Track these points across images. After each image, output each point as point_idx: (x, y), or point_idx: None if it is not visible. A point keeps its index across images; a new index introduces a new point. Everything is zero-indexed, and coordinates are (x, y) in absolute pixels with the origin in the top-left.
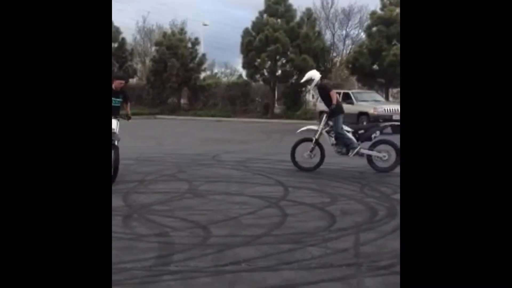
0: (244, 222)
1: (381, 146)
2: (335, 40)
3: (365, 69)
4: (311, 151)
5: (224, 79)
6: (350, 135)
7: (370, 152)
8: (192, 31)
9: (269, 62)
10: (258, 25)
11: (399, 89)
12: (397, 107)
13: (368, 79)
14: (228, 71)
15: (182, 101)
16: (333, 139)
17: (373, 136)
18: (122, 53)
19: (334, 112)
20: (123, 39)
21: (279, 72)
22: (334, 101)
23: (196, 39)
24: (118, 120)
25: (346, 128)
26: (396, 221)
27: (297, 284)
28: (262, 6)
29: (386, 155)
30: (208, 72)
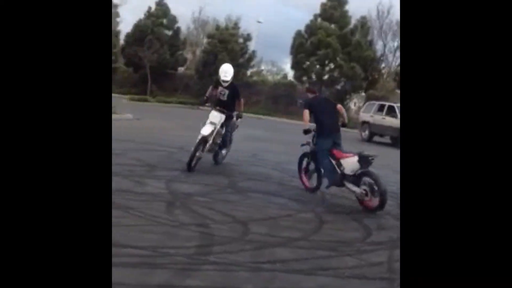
0: (282, 224)
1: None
2: (386, 51)
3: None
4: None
5: (270, 77)
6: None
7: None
8: (246, 27)
9: (317, 66)
10: (311, 28)
11: None
12: None
13: None
14: (275, 69)
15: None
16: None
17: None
18: (175, 41)
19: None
20: (178, 28)
21: (326, 76)
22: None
23: (248, 35)
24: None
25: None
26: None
27: None
28: (317, 9)
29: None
30: (255, 69)
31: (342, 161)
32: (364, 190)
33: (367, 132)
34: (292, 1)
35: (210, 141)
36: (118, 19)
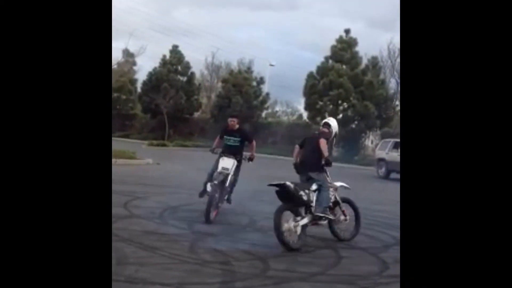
0: (300, 260)
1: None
2: (399, 88)
3: None
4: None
5: (285, 118)
6: (311, 196)
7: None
8: (258, 69)
9: (331, 106)
10: (322, 70)
11: None
12: None
13: None
14: (290, 110)
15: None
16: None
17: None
18: (190, 86)
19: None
20: (192, 73)
21: (340, 116)
22: (295, 160)
23: (262, 78)
24: (237, 160)
25: (313, 187)
26: None
27: None
28: (328, 50)
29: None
30: (270, 110)
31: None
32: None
33: (383, 169)
34: (302, 43)
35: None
36: (135, 68)
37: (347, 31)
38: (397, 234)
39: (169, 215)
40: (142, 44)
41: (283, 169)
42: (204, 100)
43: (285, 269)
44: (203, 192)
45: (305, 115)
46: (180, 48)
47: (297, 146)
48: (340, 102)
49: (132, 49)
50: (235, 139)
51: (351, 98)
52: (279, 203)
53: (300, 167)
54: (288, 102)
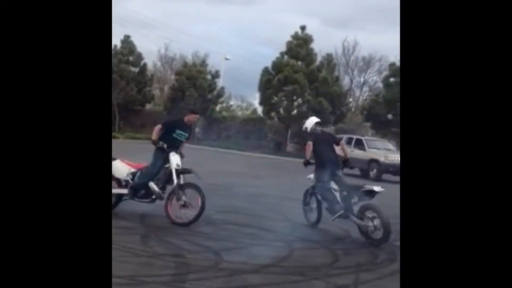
0: (253, 252)
1: (367, 213)
2: (353, 86)
3: (380, 117)
4: (307, 203)
5: (239, 113)
6: (336, 195)
7: (358, 222)
8: (213, 63)
9: (285, 102)
10: (278, 65)
11: None
12: None
13: (382, 128)
14: (244, 104)
15: (197, 130)
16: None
17: (352, 201)
18: (142, 78)
19: (316, 168)
20: (144, 64)
21: (295, 111)
22: (306, 155)
23: (217, 72)
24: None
25: (333, 186)
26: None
27: None
28: (283, 45)
29: (370, 225)
30: (224, 104)
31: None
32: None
33: None
34: (258, 38)
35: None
36: None
37: (302, 28)
38: (347, 226)
39: (121, 208)
40: None
41: (235, 163)
42: (156, 92)
43: (238, 261)
44: (154, 193)
45: (259, 110)
46: (133, 39)
47: (310, 143)
48: (295, 97)
49: None
50: (185, 135)
51: (306, 94)
52: (232, 197)
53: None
54: (242, 96)
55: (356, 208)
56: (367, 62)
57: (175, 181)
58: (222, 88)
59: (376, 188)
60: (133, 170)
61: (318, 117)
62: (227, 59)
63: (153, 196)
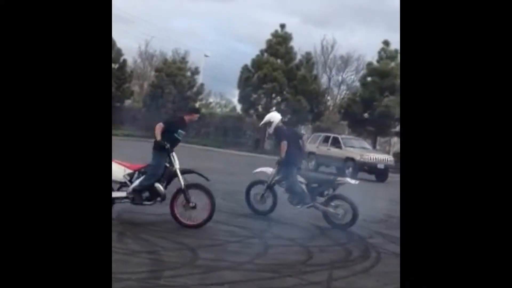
0: (229, 249)
1: (335, 202)
2: (331, 84)
3: (357, 116)
4: (261, 196)
5: (218, 110)
6: (303, 188)
7: (325, 209)
8: (193, 60)
9: (264, 99)
10: (257, 63)
11: (387, 138)
12: (382, 156)
13: (358, 126)
14: (223, 102)
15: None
16: (283, 188)
17: (325, 192)
18: (121, 74)
19: (287, 163)
20: (124, 60)
21: (274, 109)
22: (282, 154)
23: (196, 69)
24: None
25: (300, 179)
26: (368, 263)
27: None
28: (263, 43)
29: (340, 213)
30: (204, 101)
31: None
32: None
33: (313, 162)
34: (238, 35)
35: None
36: None
37: (282, 26)
38: (323, 224)
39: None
40: None
41: (213, 160)
42: (136, 89)
43: (214, 259)
44: (159, 195)
45: (238, 107)
46: (113, 35)
47: (285, 142)
48: (274, 95)
49: None
50: (183, 133)
51: (285, 92)
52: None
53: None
54: (222, 93)
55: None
56: (345, 61)
57: (182, 182)
58: (202, 85)
59: (352, 181)
60: (129, 171)
61: (296, 115)
62: (206, 56)
63: (158, 198)
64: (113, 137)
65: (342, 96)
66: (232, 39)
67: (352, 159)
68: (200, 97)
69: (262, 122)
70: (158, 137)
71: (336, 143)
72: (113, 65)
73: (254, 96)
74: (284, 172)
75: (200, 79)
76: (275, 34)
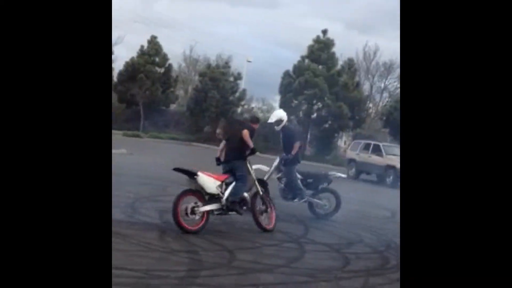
0: (266, 252)
1: (323, 194)
2: (373, 91)
3: (398, 124)
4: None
5: (260, 115)
6: (301, 185)
7: (312, 200)
8: (236, 65)
9: (305, 105)
10: (299, 69)
11: None
12: None
13: None
14: (265, 107)
15: (218, 131)
16: (282, 185)
17: (320, 187)
18: (167, 79)
19: (292, 161)
20: (169, 65)
21: (314, 115)
22: (294, 152)
23: (239, 74)
24: None
25: (297, 175)
26: None
27: None
28: (305, 49)
29: (327, 204)
30: (245, 106)
31: None
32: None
33: (353, 170)
34: (280, 41)
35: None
36: (112, 57)
37: (324, 32)
38: (360, 232)
39: (140, 205)
40: (120, 34)
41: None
42: (180, 93)
43: (251, 261)
44: (247, 203)
45: None
46: (159, 40)
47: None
48: (314, 101)
49: None
50: None
51: (326, 98)
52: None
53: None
54: (264, 99)
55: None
56: (388, 68)
57: (260, 189)
58: (244, 90)
59: (342, 175)
60: (218, 182)
61: (337, 122)
62: (249, 61)
63: (244, 207)
64: (157, 140)
65: (384, 103)
66: (274, 45)
67: (393, 167)
68: (242, 102)
69: (273, 120)
70: (251, 144)
71: (377, 150)
72: (158, 70)
73: (295, 102)
74: (287, 170)
75: (242, 84)
76: (317, 40)
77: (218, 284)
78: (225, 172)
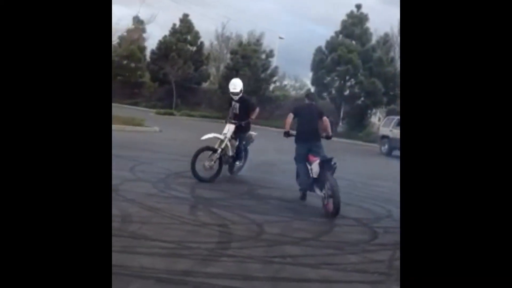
0: (294, 226)
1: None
2: (400, 84)
3: None
4: (214, 161)
5: (293, 92)
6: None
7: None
8: (268, 42)
9: (338, 82)
10: (331, 44)
11: None
12: None
13: None
14: (298, 84)
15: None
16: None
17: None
18: (199, 56)
19: (248, 128)
20: (201, 43)
21: (347, 92)
22: (253, 116)
23: (271, 51)
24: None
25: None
26: None
27: (332, 281)
28: (338, 24)
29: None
30: (278, 84)
31: (312, 165)
32: (325, 194)
33: (386, 146)
34: (313, 17)
35: (218, 152)
36: (145, 35)
37: (358, 6)
38: (390, 207)
39: (172, 180)
40: (153, 12)
41: (286, 142)
42: (212, 71)
43: (279, 234)
44: None
45: (312, 89)
46: (190, 18)
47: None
48: (347, 78)
49: (142, 17)
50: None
51: (359, 75)
52: (282, 177)
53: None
54: (296, 76)
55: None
56: None
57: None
58: (276, 67)
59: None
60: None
61: (370, 98)
62: (281, 38)
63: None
64: (189, 118)
65: None
66: (306, 21)
67: None
68: (274, 79)
69: (238, 89)
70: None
71: None
72: (191, 48)
73: (328, 78)
74: (244, 137)
75: (274, 61)
76: (351, 15)
77: (247, 256)
78: None
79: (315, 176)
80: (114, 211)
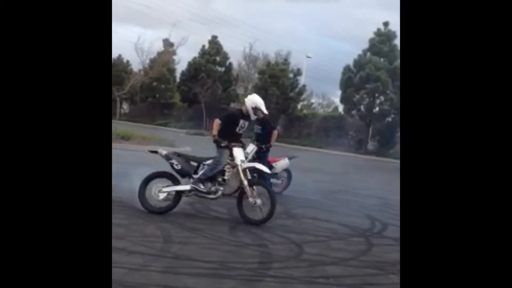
0: (333, 246)
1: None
2: (399, 90)
3: None
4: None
5: (321, 110)
6: None
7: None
8: (295, 61)
9: (367, 99)
10: (359, 63)
11: None
12: None
13: None
14: (325, 102)
15: (278, 128)
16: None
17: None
18: (227, 77)
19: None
20: (230, 64)
21: (377, 109)
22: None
23: (298, 70)
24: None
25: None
26: None
27: None
28: (366, 43)
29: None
30: (306, 102)
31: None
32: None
33: None
34: (340, 35)
35: None
36: (175, 57)
37: (385, 24)
38: None
39: (209, 201)
40: (184, 35)
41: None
42: (241, 91)
43: (318, 254)
44: None
45: (340, 107)
46: (218, 39)
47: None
48: (377, 95)
49: (173, 39)
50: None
51: (388, 92)
52: (310, 195)
53: None
54: (324, 94)
55: None
56: None
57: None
58: (304, 86)
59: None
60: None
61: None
62: (308, 57)
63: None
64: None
65: None
66: (333, 39)
67: None
68: (302, 97)
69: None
70: None
71: None
72: (219, 69)
73: (357, 96)
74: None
75: (302, 80)
76: (378, 33)
77: (289, 276)
78: None
79: None
80: (156, 231)
